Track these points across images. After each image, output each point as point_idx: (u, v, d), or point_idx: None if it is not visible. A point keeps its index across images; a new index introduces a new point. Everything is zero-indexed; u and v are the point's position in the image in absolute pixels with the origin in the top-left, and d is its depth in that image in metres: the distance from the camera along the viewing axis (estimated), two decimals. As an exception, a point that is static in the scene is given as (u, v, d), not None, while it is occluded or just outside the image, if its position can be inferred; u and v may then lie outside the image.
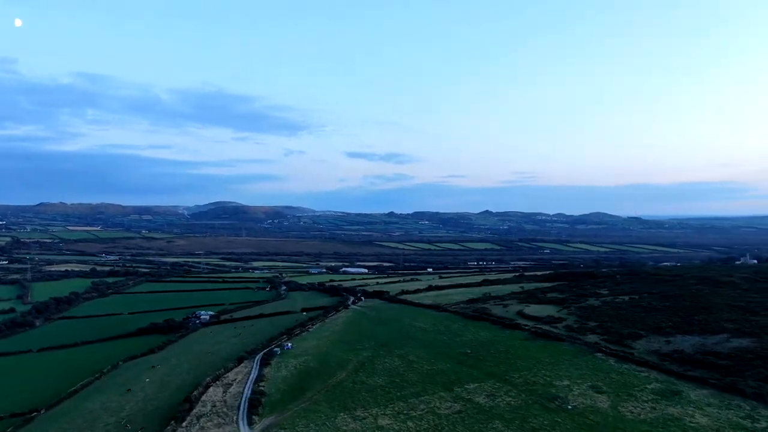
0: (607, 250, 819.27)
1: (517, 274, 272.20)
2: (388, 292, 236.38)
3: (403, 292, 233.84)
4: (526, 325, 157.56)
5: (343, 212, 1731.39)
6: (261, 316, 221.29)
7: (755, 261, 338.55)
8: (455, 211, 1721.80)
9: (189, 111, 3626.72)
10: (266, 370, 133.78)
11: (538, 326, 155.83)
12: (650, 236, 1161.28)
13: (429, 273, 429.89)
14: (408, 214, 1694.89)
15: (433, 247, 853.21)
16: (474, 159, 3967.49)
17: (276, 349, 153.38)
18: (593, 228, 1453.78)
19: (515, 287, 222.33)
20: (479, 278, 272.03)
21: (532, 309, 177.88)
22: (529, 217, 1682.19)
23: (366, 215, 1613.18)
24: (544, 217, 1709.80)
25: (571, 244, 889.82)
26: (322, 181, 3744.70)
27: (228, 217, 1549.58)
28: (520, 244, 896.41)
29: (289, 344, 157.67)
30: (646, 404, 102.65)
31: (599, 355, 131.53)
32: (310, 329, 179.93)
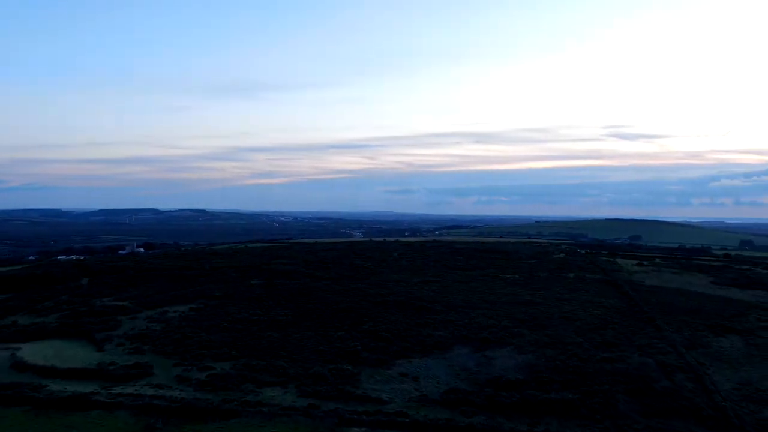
0: None
1: None
2: None
3: None
4: (96, 394, 54.50)
5: None
6: None
7: (142, 249, 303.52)
8: None
9: None
10: None
11: (123, 392, 55.52)
12: None
13: None
14: None
15: None
16: None
17: None
18: None
19: None
20: None
21: (33, 353, 69.33)
22: None
23: None
24: None
25: None
26: None
27: None
28: None
29: None
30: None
31: (356, 430, 50.03)
32: None
